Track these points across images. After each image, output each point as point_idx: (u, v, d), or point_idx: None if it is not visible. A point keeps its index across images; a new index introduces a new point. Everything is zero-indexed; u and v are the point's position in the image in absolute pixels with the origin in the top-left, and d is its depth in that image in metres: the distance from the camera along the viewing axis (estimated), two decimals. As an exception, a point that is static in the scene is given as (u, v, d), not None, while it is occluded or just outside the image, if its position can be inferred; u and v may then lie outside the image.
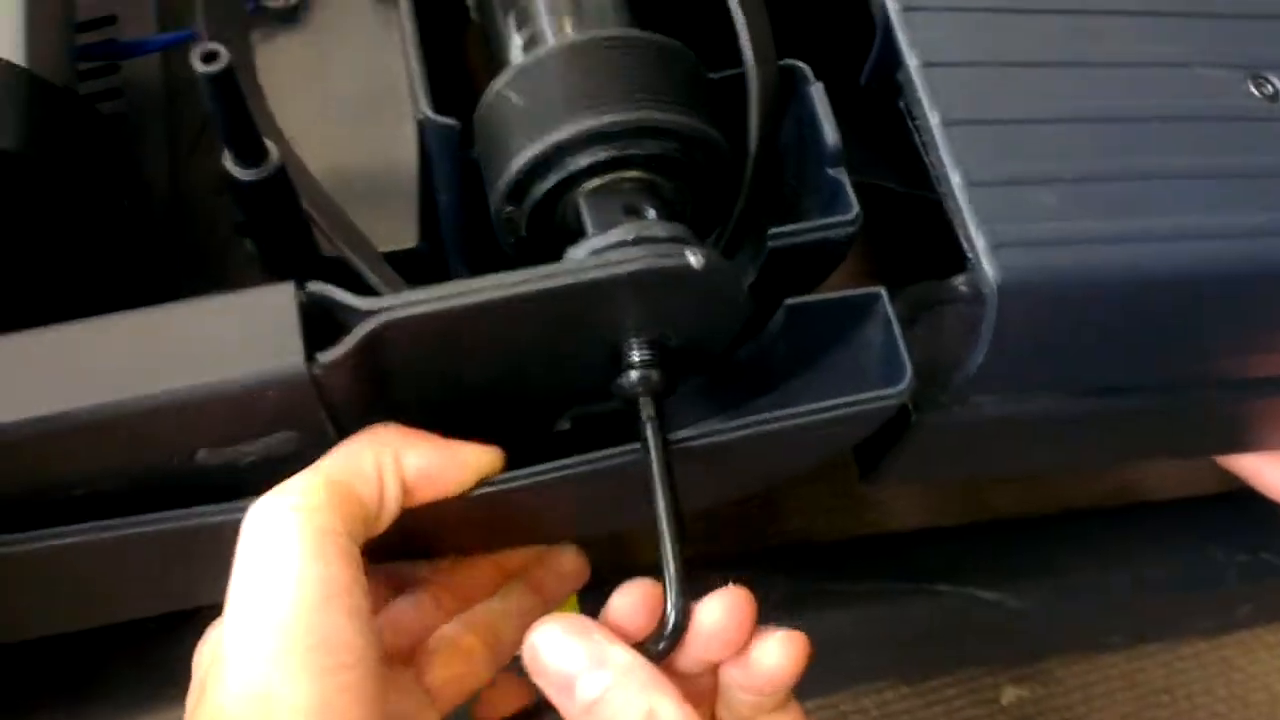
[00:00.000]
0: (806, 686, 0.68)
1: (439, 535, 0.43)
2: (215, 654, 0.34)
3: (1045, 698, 0.76)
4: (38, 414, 0.33)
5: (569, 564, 0.47)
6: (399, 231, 0.49)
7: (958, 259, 0.41)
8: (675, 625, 0.36)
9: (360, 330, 0.34)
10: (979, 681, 0.76)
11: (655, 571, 0.37)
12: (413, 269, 0.48)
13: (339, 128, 0.52)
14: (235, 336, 0.34)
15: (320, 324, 0.35)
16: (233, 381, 0.33)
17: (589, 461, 0.38)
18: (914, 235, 0.46)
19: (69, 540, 0.36)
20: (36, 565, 0.37)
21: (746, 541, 0.70)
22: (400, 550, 0.43)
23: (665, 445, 0.36)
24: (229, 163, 0.42)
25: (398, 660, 0.42)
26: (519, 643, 0.42)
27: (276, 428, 0.36)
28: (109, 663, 0.36)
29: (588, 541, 0.48)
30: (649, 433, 0.36)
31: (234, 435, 0.35)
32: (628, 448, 0.38)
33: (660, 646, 0.36)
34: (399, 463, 0.37)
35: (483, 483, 0.38)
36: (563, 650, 0.36)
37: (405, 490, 0.37)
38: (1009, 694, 0.76)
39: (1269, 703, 0.76)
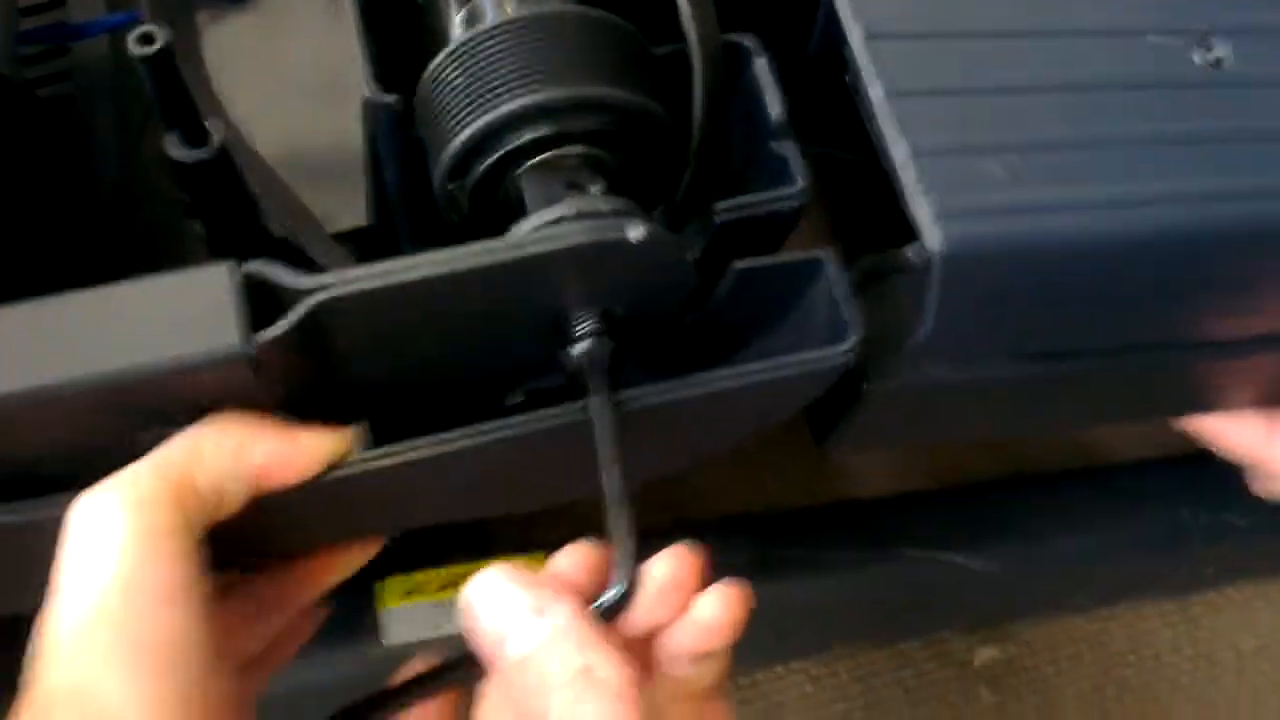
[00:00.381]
0: (776, 652, 0.68)
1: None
2: (38, 648, 0.33)
3: (1015, 658, 0.77)
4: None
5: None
6: (350, 210, 0.49)
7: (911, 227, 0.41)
8: (624, 588, 0.36)
9: (299, 309, 0.34)
10: (950, 644, 0.76)
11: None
12: (366, 247, 0.48)
13: (289, 108, 0.52)
14: (173, 316, 0.34)
15: (261, 303, 0.35)
16: (171, 361, 0.33)
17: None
18: (871, 203, 0.46)
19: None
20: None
21: (709, 510, 0.70)
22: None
23: (615, 412, 0.36)
24: (171, 144, 0.42)
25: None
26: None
27: (219, 407, 0.36)
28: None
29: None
30: (597, 406, 0.37)
31: (174, 417, 0.35)
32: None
33: (606, 607, 0.36)
34: (242, 450, 0.36)
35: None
36: (502, 598, 0.35)
37: (251, 478, 0.36)
38: (980, 655, 0.76)
39: (1235, 660, 0.77)
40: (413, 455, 0.38)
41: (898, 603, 0.68)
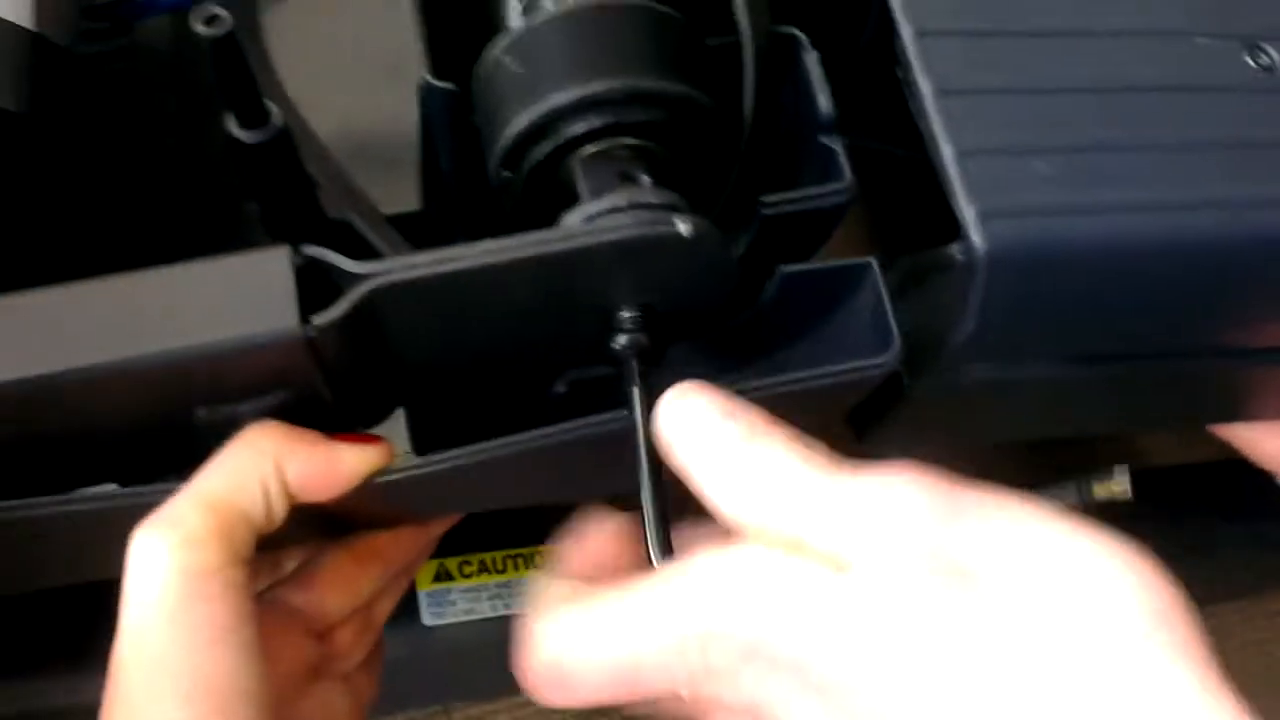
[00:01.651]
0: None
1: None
2: (109, 681, 0.35)
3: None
4: (40, 372, 0.34)
5: (436, 531, 0.47)
6: (402, 195, 0.49)
7: (956, 225, 0.41)
8: None
9: (354, 293, 0.35)
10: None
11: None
12: (416, 232, 0.48)
13: (342, 91, 0.52)
14: (232, 299, 0.35)
15: (316, 286, 0.35)
16: (228, 342, 0.34)
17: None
18: (915, 200, 0.47)
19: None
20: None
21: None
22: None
23: (652, 406, 0.37)
24: (231, 125, 0.42)
25: (311, 666, 0.43)
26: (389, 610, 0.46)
27: (272, 388, 0.36)
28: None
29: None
30: (635, 398, 0.37)
31: (230, 395, 0.36)
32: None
33: None
34: (281, 472, 0.37)
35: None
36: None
37: (292, 496, 0.37)
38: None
39: (1267, 669, 0.77)
40: (450, 464, 0.39)
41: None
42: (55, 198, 0.44)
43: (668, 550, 0.35)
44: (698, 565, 0.33)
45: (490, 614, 0.59)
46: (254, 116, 0.42)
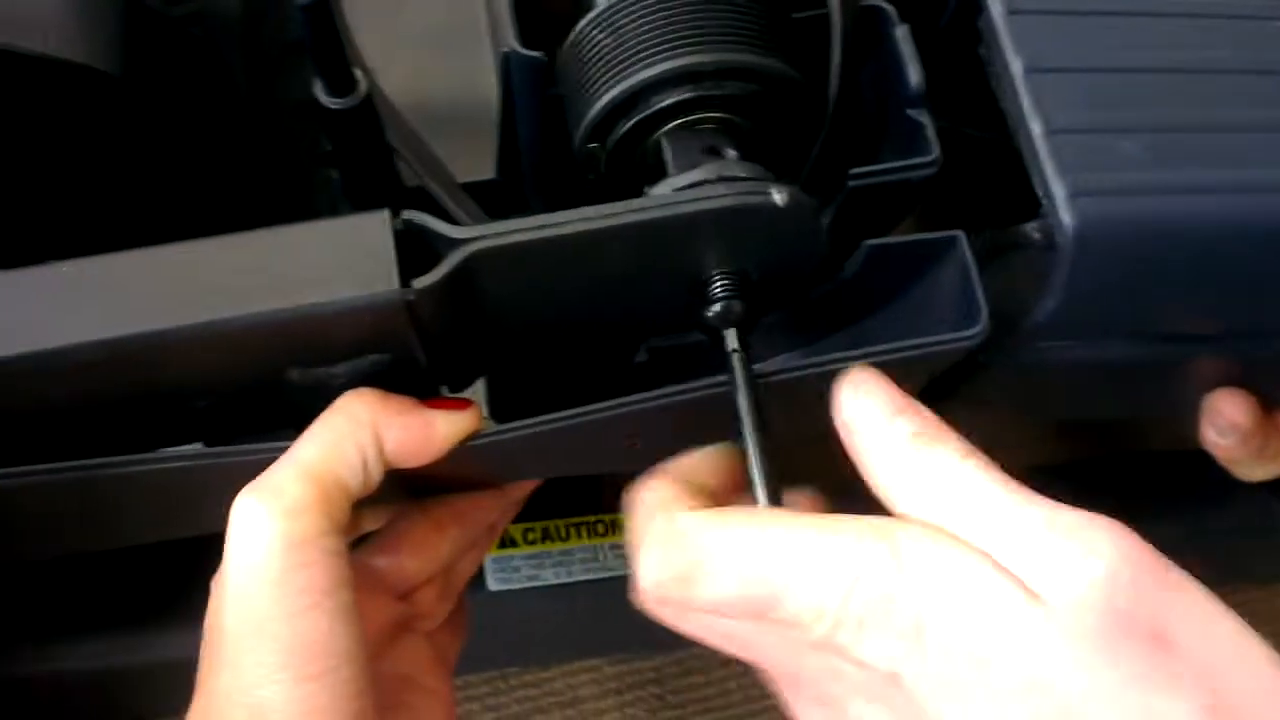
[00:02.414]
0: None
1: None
2: (206, 639, 0.36)
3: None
4: (141, 330, 0.34)
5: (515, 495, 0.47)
6: (477, 163, 0.50)
7: (1027, 205, 0.41)
8: None
9: (453, 258, 0.35)
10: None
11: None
12: (490, 201, 0.49)
13: (417, 59, 0.52)
14: (332, 261, 0.35)
15: (412, 251, 0.36)
16: (329, 305, 0.35)
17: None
18: (986, 181, 0.47)
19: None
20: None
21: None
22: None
23: (751, 375, 0.37)
24: (319, 92, 0.43)
25: (396, 624, 0.44)
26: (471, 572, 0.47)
27: (367, 351, 0.37)
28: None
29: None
30: (735, 363, 0.37)
31: (325, 357, 0.37)
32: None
33: None
34: (378, 440, 0.37)
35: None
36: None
37: (387, 462, 0.38)
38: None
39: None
40: (542, 428, 0.39)
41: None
42: (148, 161, 0.45)
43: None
44: (896, 526, 0.33)
45: (553, 580, 0.59)
46: (342, 84, 0.43)
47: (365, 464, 0.37)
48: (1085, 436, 0.71)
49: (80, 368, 0.34)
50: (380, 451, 0.37)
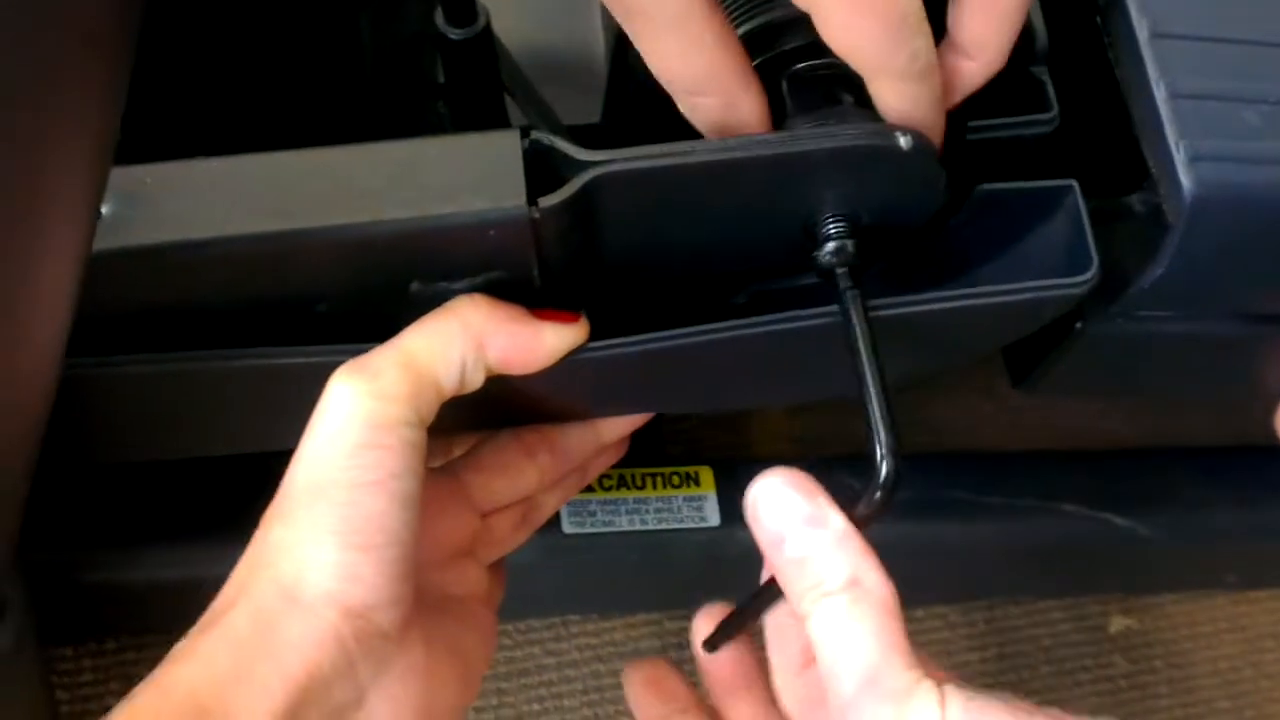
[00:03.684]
0: (919, 595, 0.69)
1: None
2: (274, 502, 0.37)
3: (1152, 631, 0.77)
4: (276, 228, 0.35)
5: (606, 436, 0.48)
6: (583, 107, 0.50)
7: (1127, 180, 0.41)
8: (883, 490, 0.36)
9: (579, 180, 0.36)
10: (1087, 608, 0.77)
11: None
12: (594, 145, 0.49)
13: (527, 3, 0.53)
14: (463, 176, 0.36)
15: (539, 172, 0.36)
16: (457, 217, 0.35)
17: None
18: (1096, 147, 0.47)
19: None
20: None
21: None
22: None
23: (866, 313, 0.37)
24: (440, 21, 0.43)
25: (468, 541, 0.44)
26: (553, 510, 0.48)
27: (488, 267, 0.38)
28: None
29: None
30: (849, 301, 0.38)
31: (448, 270, 0.37)
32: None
33: (863, 513, 0.37)
34: (482, 347, 0.38)
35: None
36: (782, 502, 0.37)
37: (490, 367, 0.39)
38: (1117, 623, 0.76)
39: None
40: (645, 347, 0.40)
41: (1051, 556, 0.69)
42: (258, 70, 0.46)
43: (897, 453, 0.36)
44: None
45: (626, 528, 0.60)
46: (464, 13, 0.43)
47: (465, 367, 0.38)
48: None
49: (210, 261, 0.35)
50: (483, 357, 0.38)
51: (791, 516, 0.37)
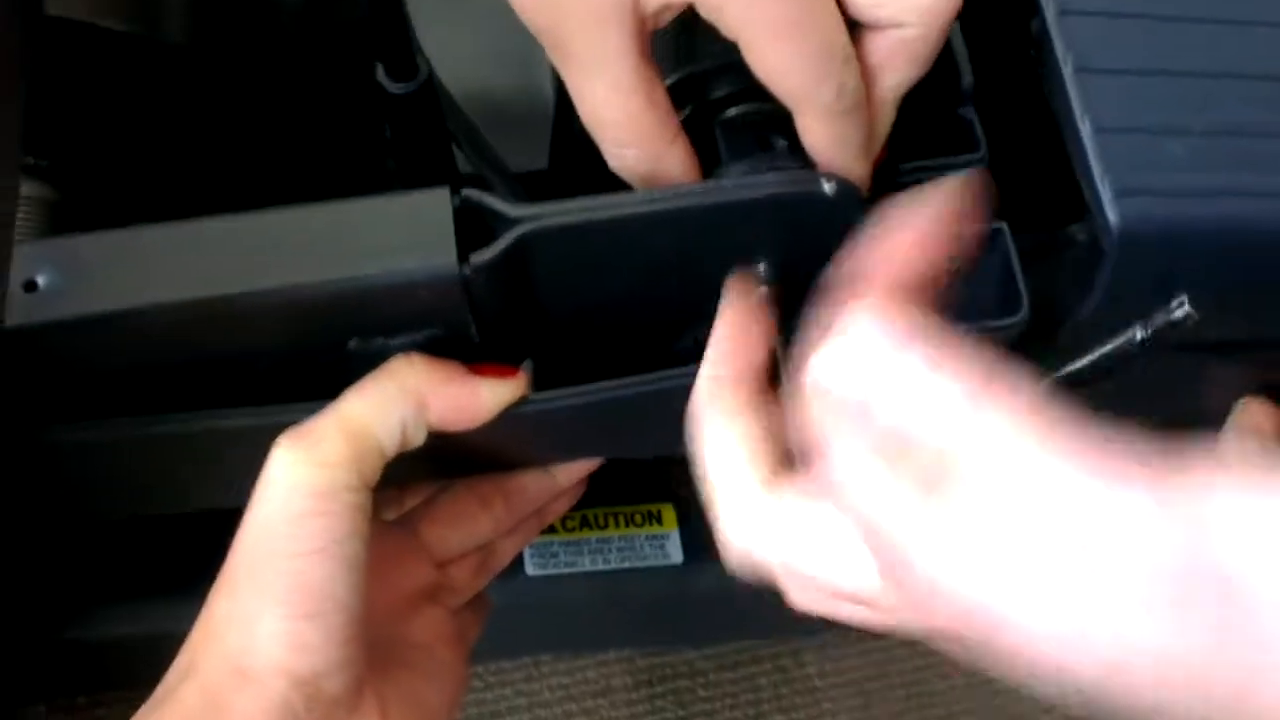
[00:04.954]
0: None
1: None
2: (224, 569, 0.38)
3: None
4: (210, 294, 0.35)
5: (562, 480, 0.48)
6: (532, 152, 0.50)
7: (1075, 208, 0.42)
8: None
9: (509, 236, 0.36)
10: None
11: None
12: (542, 191, 0.50)
13: (476, 48, 0.53)
14: (394, 235, 0.36)
15: (470, 228, 0.37)
16: (389, 277, 0.36)
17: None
18: (1030, 184, 0.47)
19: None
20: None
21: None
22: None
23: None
24: (381, 76, 0.44)
25: (427, 591, 0.45)
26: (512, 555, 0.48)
27: (425, 324, 0.38)
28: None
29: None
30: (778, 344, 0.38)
31: (384, 328, 0.38)
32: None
33: None
34: (422, 406, 0.39)
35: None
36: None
37: (430, 425, 0.39)
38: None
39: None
40: (582, 399, 0.40)
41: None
42: (210, 131, 0.46)
43: None
44: None
45: (590, 568, 0.60)
46: (404, 68, 0.44)
47: (405, 428, 0.38)
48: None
49: (146, 328, 0.36)
50: (423, 416, 0.39)
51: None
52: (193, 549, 0.51)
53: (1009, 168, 0.49)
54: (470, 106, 0.52)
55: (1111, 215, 0.40)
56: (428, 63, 0.45)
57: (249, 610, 0.36)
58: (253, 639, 0.35)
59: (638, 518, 0.61)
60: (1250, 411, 0.50)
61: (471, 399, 0.39)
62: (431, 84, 0.45)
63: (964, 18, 0.44)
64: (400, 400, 0.38)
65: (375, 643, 0.39)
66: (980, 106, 0.46)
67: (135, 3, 0.42)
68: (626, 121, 0.37)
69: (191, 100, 0.45)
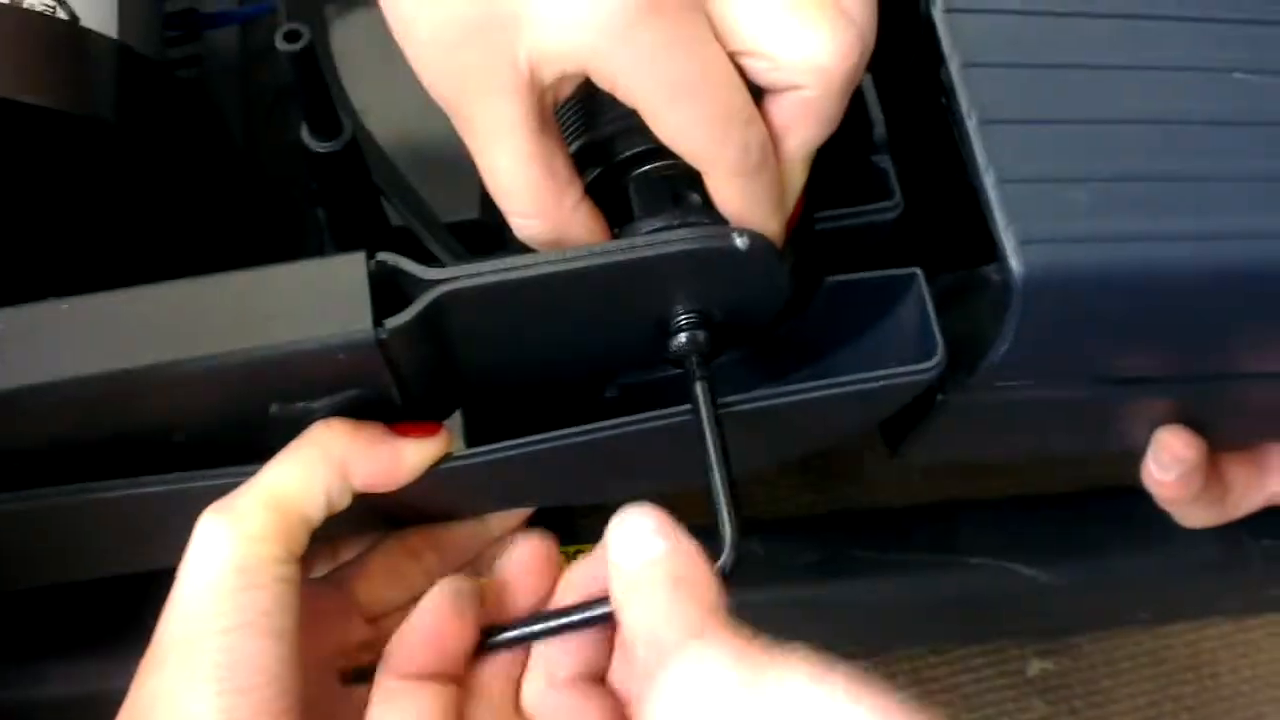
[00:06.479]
0: (836, 650, 0.70)
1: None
2: (150, 650, 0.37)
3: (1070, 670, 0.78)
4: (124, 366, 0.36)
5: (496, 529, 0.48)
6: (461, 203, 0.51)
7: (990, 248, 0.43)
8: (719, 577, 0.37)
9: (424, 298, 0.37)
10: (1006, 653, 0.78)
11: (705, 533, 0.38)
12: (474, 240, 0.50)
13: (406, 101, 0.54)
14: (309, 301, 0.37)
15: (387, 291, 0.38)
16: (304, 344, 0.36)
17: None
18: (948, 225, 0.48)
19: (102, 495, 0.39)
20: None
21: (779, 510, 0.72)
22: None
23: (714, 401, 0.39)
24: (306, 135, 0.44)
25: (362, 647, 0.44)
26: None
27: (344, 387, 0.39)
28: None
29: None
30: (698, 391, 0.39)
31: (304, 393, 0.38)
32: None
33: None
34: (345, 472, 0.39)
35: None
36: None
37: (355, 489, 0.40)
38: (1034, 666, 0.78)
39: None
40: (507, 454, 0.41)
41: (960, 609, 0.70)
42: (141, 203, 0.47)
43: (741, 531, 0.37)
44: None
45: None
46: (328, 127, 0.44)
47: (329, 495, 0.39)
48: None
49: (63, 402, 0.36)
50: (347, 482, 0.39)
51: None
52: (123, 606, 0.52)
53: (926, 207, 0.50)
54: (402, 155, 0.53)
55: (1015, 264, 0.41)
56: (352, 121, 0.46)
57: (178, 687, 0.36)
58: (184, 716, 0.35)
59: (580, 557, 0.62)
60: (1168, 442, 0.51)
61: (394, 461, 0.40)
62: (356, 142, 0.46)
63: (876, 67, 0.45)
64: (323, 468, 0.39)
65: (312, 703, 0.39)
66: (896, 148, 0.47)
67: (61, 79, 0.42)
68: (527, 191, 0.38)
69: (117, 174, 0.45)
